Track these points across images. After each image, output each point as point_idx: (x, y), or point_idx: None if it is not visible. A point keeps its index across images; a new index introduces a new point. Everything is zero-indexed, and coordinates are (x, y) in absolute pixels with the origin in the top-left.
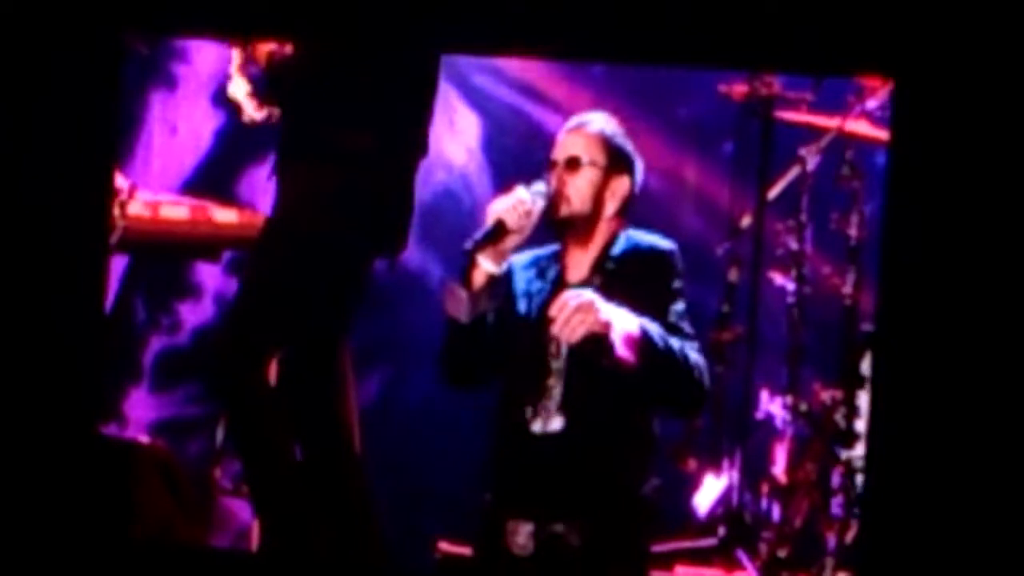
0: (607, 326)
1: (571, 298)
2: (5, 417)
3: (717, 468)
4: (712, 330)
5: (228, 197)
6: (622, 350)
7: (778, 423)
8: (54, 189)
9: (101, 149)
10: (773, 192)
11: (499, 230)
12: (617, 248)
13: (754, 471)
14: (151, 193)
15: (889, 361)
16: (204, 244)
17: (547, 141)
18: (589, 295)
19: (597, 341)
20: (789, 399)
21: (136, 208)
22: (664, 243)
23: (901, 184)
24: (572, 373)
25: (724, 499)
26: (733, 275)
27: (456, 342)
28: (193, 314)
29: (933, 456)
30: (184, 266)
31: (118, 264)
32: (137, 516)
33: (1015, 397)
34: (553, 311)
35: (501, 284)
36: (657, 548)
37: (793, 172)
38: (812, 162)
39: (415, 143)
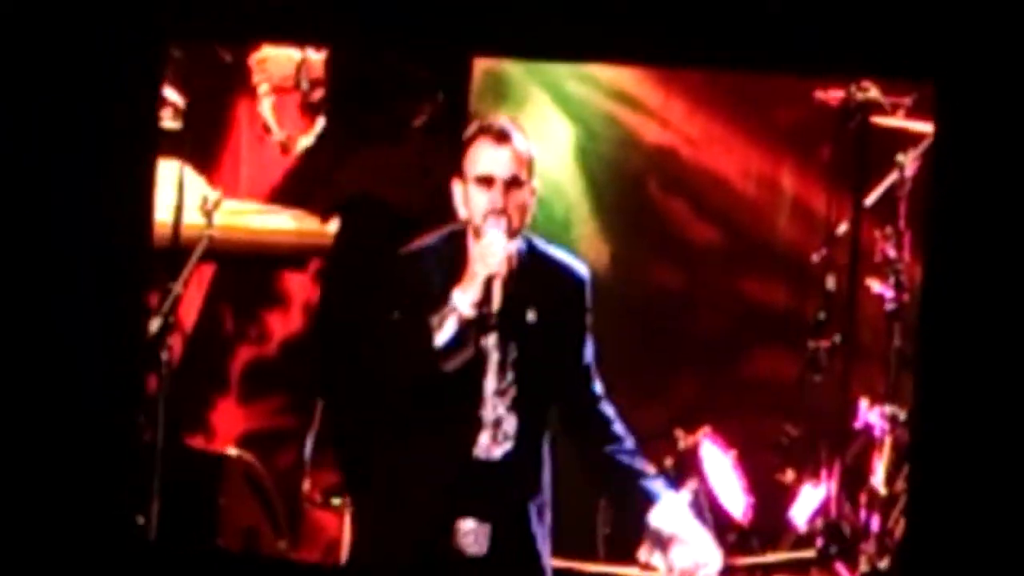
0: None
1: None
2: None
3: (815, 479)
4: (809, 338)
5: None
6: None
7: (877, 432)
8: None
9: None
10: (870, 199)
11: (497, 286)
12: (523, 256)
13: (853, 481)
14: (238, 202)
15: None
16: (291, 253)
17: (642, 148)
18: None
19: None
20: (888, 408)
21: (223, 217)
22: (579, 268)
23: (944, 183)
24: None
25: (822, 510)
26: (831, 283)
27: (416, 383)
28: (281, 324)
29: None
30: (271, 275)
31: (205, 274)
32: (224, 526)
33: None
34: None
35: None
36: (754, 560)
37: (891, 178)
38: (910, 168)
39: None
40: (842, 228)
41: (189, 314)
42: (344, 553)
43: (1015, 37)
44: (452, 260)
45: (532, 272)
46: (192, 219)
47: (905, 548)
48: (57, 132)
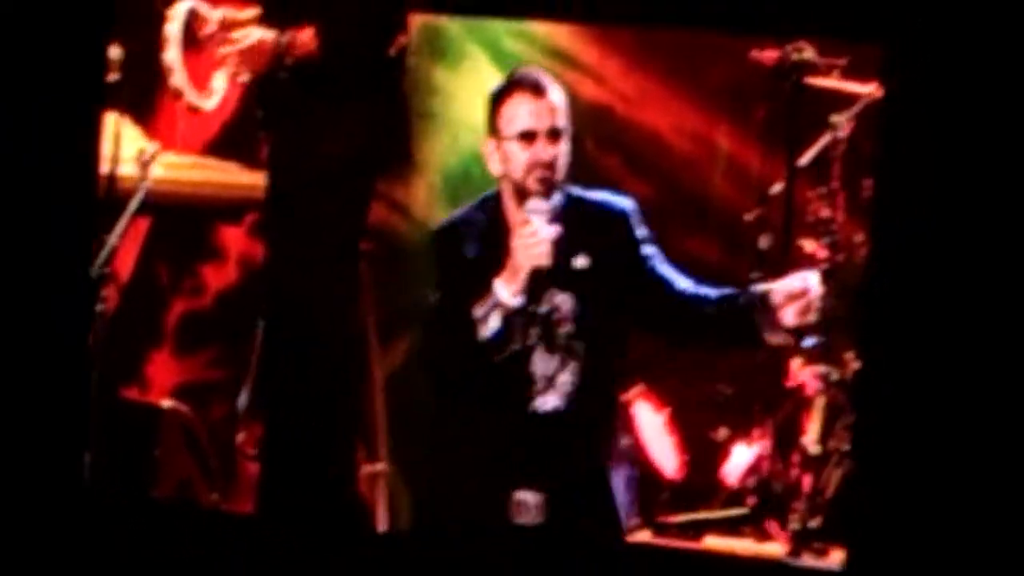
0: None
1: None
2: (24, 381)
3: (748, 437)
4: None
5: (252, 160)
6: None
7: (809, 392)
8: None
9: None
10: (805, 159)
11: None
12: (564, 209)
13: (785, 440)
14: (175, 155)
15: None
16: (227, 206)
17: (578, 106)
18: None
19: None
20: (821, 368)
21: (159, 170)
22: (621, 201)
23: (894, 150)
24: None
25: (754, 469)
26: (764, 242)
27: (460, 370)
28: (216, 277)
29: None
30: (207, 228)
31: (140, 226)
32: (158, 477)
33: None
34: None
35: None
36: (686, 518)
37: (825, 139)
38: (844, 129)
39: None
40: (776, 188)
41: (124, 266)
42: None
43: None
44: (489, 230)
45: (574, 222)
46: (128, 171)
47: (836, 506)
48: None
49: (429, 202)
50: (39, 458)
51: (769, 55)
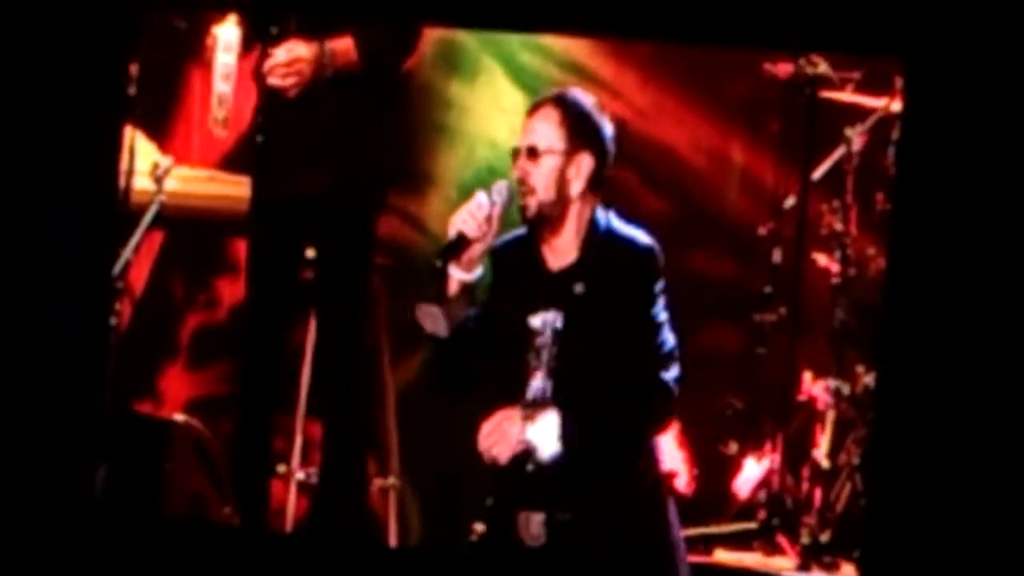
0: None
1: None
2: (37, 393)
3: (758, 451)
4: (755, 311)
5: None
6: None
7: (820, 406)
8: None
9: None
10: (818, 172)
11: (461, 242)
12: (598, 232)
13: (796, 454)
14: (189, 169)
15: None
16: (241, 220)
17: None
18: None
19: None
20: (832, 382)
21: (173, 184)
22: (644, 239)
23: (911, 163)
24: (560, 367)
25: (765, 483)
26: (777, 256)
27: (442, 355)
28: (230, 291)
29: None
30: (221, 242)
31: (155, 240)
32: (170, 492)
33: None
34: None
35: (476, 289)
36: (696, 532)
37: (838, 152)
38: (857, 143)
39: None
40: (789, 202)
41: (138, 280)
42: (289, 520)
43: (983, 12)
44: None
45: (597, 251)
46: (142, 185)
47: (846, 520)
48: (26, 99)
49: (444, 216)
50: (51, 471)
51: (783, 69)
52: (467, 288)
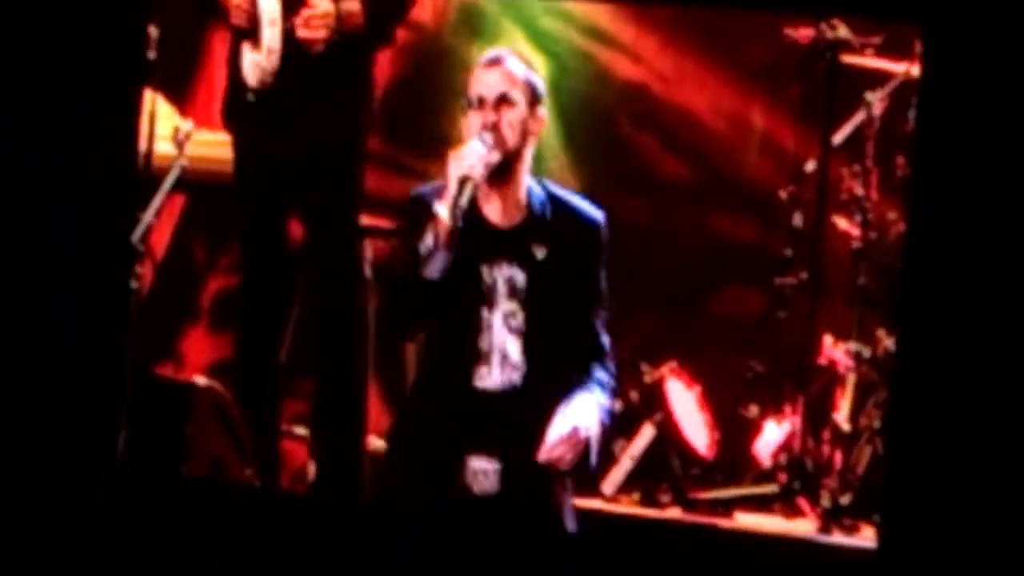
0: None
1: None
2: (60, 356)
3: (779, 414)
4: (776, 274)
5: None
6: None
7: (841, 369)
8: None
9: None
10: (838, 137)
11: (469, 188)
12: (537, 198)
13: (816, 417)
14: (210, 132)
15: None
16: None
17: (614, 84)
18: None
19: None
20: (852, 345)
21: (194, 148)
22: (593, 210)
23: (931, 128)
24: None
25: (786, 446)
26: (797, 219)
27: (402, 298)
28: None
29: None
30: None
31: (176, 204)
32: (190, 454)
33: None
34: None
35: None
36: (717, 494)
37: (859, 117)
38: (878, 107)
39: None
40: (810, 166)
41: (160, 243)
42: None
43: None
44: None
45: (545, 214)
46: (164, 149)
47: (867, 483)
48: (42, 68)
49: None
50: (73, 433)
51: (804, 33)
52: (453, 235)
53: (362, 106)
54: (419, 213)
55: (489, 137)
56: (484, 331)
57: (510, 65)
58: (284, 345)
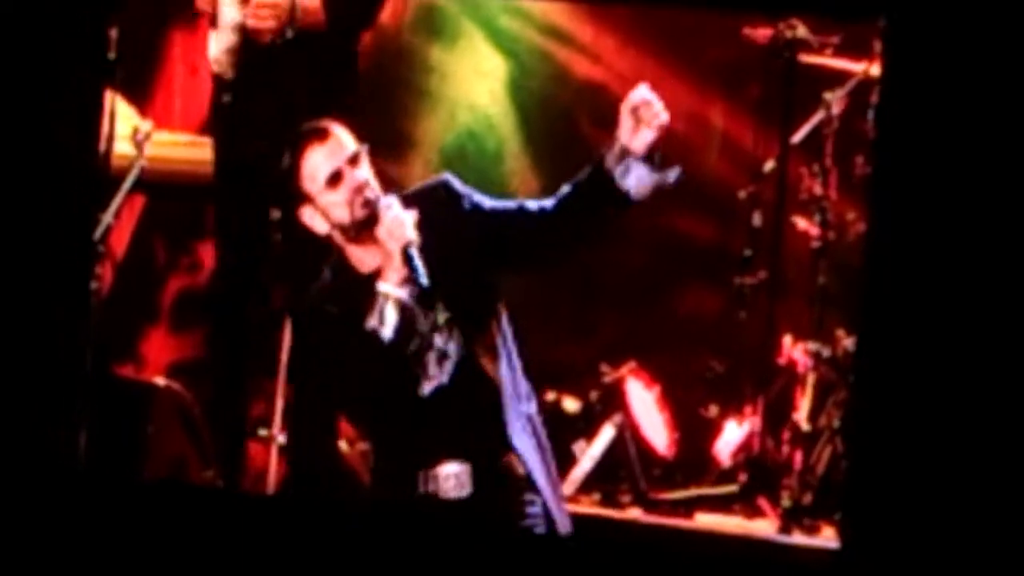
0: None
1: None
2: (18, 358)
3: (739, 414)
4: (735, 274)
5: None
6: None
7: (800, 369)
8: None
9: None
10: (797, 136)
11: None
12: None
13: (776, 417)
14: (170, 133)
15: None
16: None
17: (573, 84)
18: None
19: None
20: (812, 345)
21: (154, 149)
22: (435, 179)
23: (891, 128)
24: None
25: (745, 446)
26: (756, 219)
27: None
28: (212, 255)
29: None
30: (203, 206)
31: (136, 204)
32: (152, 455)
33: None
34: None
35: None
36: (677, 495)
37: (817, 116)
38: (837, 106)
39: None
40: (769, 165)
41: (120, 244)
42: (271, 483)
43: None
44: (346, 286)
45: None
46: (123, 149)
47: (827, 483)
48: (5, 63)
49: (425, 179)
50: (32, 435)
51: (762, 33)
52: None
53: (334, 105)
54: (317, 319)
55: (392, 198)
56: (423, 344)
57: (336, 132)
58: (252, 346)
